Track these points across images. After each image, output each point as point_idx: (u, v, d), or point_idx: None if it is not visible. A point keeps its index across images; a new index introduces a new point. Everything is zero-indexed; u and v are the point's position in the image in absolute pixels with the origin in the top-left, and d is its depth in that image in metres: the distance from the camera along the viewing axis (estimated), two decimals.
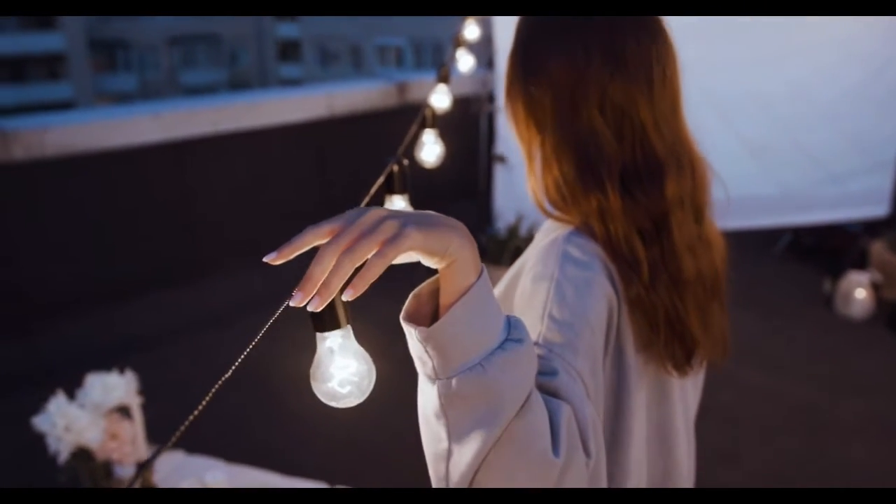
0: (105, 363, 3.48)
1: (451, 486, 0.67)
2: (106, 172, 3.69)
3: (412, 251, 0.58)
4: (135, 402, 1.57)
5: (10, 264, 3.49)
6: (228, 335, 3.54)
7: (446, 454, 0.65)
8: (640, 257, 0.94)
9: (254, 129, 4.08)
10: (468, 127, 4.62)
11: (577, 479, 0.70)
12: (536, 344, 0.83)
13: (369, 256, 0.56)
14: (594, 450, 0.73)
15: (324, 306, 0.55)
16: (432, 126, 1.55)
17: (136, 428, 1.46)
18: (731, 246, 1.11)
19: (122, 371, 1.64)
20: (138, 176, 3.83)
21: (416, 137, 1.44)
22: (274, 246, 0.56)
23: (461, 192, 4.56)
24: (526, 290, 0.92)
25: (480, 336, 0.62)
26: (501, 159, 4.17)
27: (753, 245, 4.92)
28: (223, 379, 0.57)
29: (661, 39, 0.98)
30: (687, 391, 1.11)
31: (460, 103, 4.35)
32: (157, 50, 36.28)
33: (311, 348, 0.58)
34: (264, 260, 0.55)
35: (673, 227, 0.96)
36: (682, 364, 0.99)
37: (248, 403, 3.17)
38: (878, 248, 4.30)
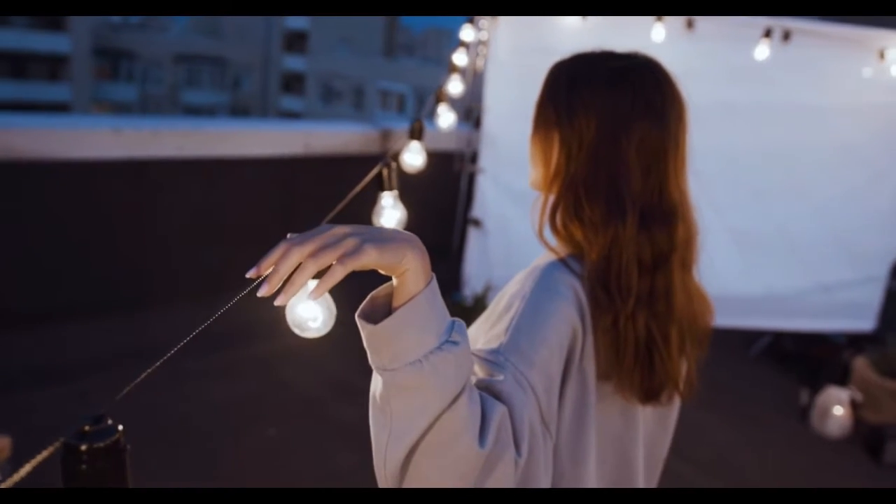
0: (24, 388, 3.19)
1: (388, 469, 0.75)
2: (53, 184, 3.42)
3: (368, 265, 0.66)
4: None
5: None
6: (162, 372, 3.23)
7: (387, 438, 0.73)
8: (632, 287, 1.02)
9: (220, 157, 3.84)
10: (448, 184, 4.40)
11: (505, 474, 0.79)
12: (496, 351, 0.93)
13: (332, 264, 0.63)
14: (525, 450, 0.82)
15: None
16: (391, 188, 1.33)
17: None
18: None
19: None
20: (90, 192, 3.56)
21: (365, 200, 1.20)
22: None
23: (433, 250, 4.30)
24: (501, 306, 1.03)
25: (423, 336, 0.70)
26: (476, 223, 3.94)
27: (729, 344, 4.69)
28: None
29: (685, 109, 1.12)
30: (651, 428, 1.18)
31: (443, 158, 4.15)
32: (162, 65, 36.28)
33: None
34: (247, 275, 0.60)
35: (673, 266, 1.07)
36: (643, 395, 1.06)
37: (172, 458, 2.85)
38: (860, 365, 4.07)
